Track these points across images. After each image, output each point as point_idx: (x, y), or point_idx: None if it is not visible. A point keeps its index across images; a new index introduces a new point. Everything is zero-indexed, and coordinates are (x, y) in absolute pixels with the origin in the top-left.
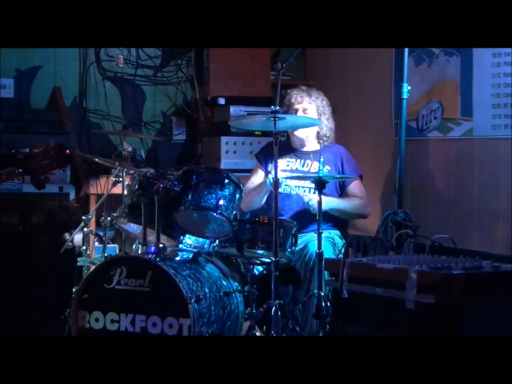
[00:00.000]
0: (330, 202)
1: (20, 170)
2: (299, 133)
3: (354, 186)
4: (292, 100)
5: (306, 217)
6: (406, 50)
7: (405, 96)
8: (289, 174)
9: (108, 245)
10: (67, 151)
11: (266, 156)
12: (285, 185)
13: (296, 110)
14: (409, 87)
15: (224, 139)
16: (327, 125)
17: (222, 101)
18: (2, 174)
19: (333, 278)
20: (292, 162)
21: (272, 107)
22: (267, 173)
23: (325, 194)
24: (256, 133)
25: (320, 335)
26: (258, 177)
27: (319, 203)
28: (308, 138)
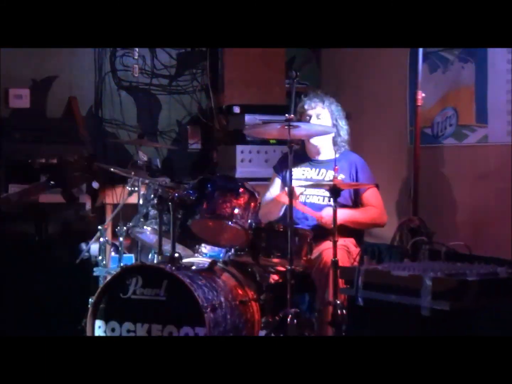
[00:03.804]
0: (343, 214)
1: (52, 182)
2: (315, 141)
3: (369, 195)
4: (306, 107)
5: (322, 226)
6: (420, 57)
7: (419, 103)
8: (302, 183)
9: (125, 255)
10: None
11: (282, 166)
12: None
13: (310, 116)
14: (423, 94)
15: (239, 147)
16: (342, 129)
17: (237, 109)
18: (33, 188)
19: (348, 286)
20: (307, 171)
21: (286, 115)
22: (283, 182)
23: (338, 205)
24: (271, 141)
25: None
26: (275, 188)
27: (334, 211)
28: (324, 146)
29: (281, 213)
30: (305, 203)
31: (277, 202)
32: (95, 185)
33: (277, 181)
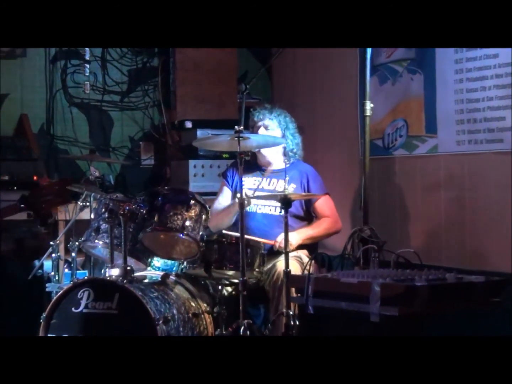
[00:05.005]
0: (299, 235)
1: (22, 205)
2: (264, 152)
3: (322, 204)
4: (255, 119)
5: (273, 237)
6: (368, 67)
7: (367, 113)
8: (255, 194)
9: (78, 271)
10: (35, 176)
11: (232, 175)
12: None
13: (258, 128)
14: (371, 105)
15: (192, 162)
16: (292, 139)
17: (189, 124)
18: (6, 210)
19: (299, 295)
20: (258, 180)
21: (236, 127)
22: (234, 192)
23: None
24: (224, 156)
25: None
26: (225, 197)
27: (285, 222)
28: (274, 156)
29: (233, 221)
30: (256, 214)
31: (229, 211)
32: (65, 209)
33: (226, 190)
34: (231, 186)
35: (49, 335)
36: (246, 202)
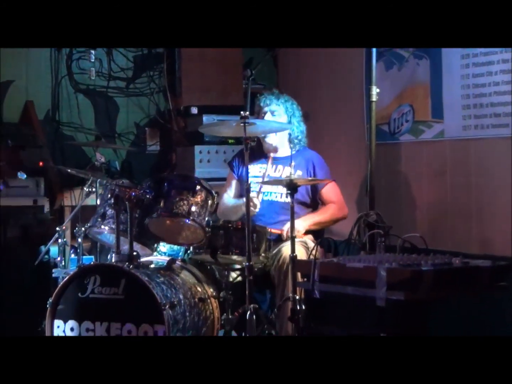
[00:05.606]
0: (305, 221)
1: None
2: (270, 139)
3: (328, 190)
4: (261, 104)
5: (279, 223)
6: (374, 53)
7: (373, 99)
8: (262, 179)
9: (84, 256)
10: (41, 162)
11: (238, 163)
12: (256, 191)
13: (265, 113)
14: (377, 90)
15: (197, 148)
16: (297, 127)
17: (194, 110)
18: None
19: (305, 279)
20: (264, 168)
21: (242, 112)
22: (240, 181)
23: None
24: (229, 141)
25: None
26: (233, 189)
27: (292, 208)
28: (280, 144)
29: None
30: (262, 201)
31: (236, 209)
32: (22, 175)
33: (234, 181)
34: (237, 175)
35: (55, 320)
36: (253, 205)
